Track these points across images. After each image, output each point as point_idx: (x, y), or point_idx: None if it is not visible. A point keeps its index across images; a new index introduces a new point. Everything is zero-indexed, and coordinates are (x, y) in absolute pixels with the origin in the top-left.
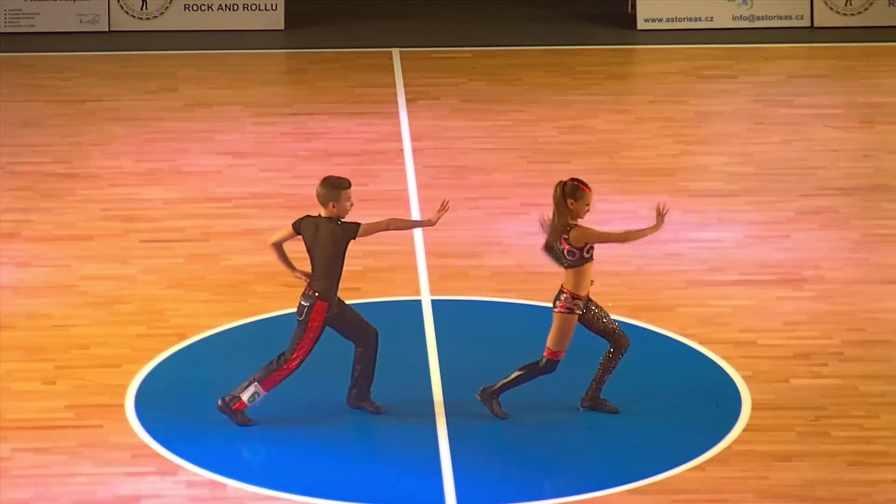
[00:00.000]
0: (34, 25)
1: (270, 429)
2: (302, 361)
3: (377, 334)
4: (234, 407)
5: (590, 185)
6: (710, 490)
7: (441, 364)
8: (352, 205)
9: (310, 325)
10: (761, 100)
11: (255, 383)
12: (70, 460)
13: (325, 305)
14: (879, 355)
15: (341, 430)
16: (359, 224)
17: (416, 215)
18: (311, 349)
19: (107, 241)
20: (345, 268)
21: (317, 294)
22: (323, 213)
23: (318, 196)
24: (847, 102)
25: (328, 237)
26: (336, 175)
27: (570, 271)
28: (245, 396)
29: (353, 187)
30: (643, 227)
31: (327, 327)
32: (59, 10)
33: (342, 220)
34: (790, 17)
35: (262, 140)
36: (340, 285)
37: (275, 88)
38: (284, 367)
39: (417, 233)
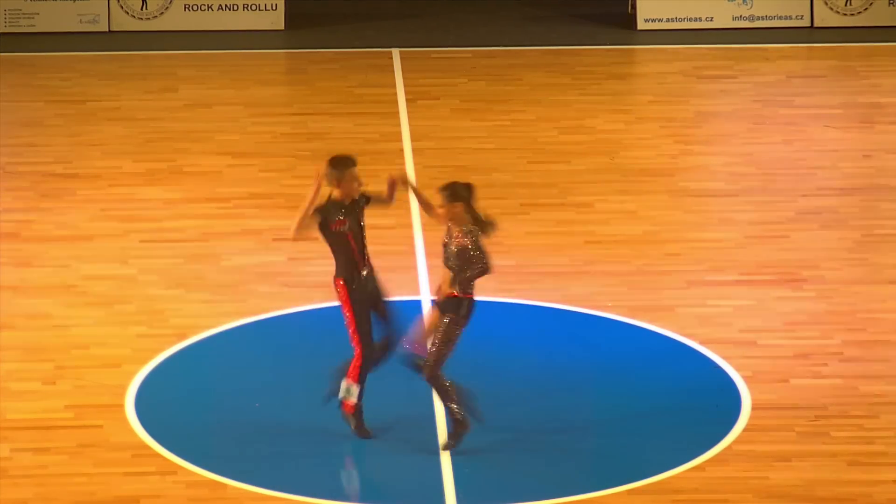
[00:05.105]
0: (34, 25)
1: (270, 429)
2: (361, 340)
3: (388, 344)
4: (345, 410)
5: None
6: (710, 490)
7: None
8: (360, 184)
9: (342, 304)
10: (761, 100)
11: (344, 378)
12: (70, 460)
13: (340, 281)
14: (879, 355)
15: (342, 431)
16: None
17: (415, 215)
18: (363, 323)
19: (107, 241)
20: None
21: (334, 276)
22: (335, 195)
23: (327, 178)
24: (847, 102)
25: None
26: (342, 154)
27: None
28: (340, 394)
29: None
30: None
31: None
32: (59, 10)
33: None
34: (790, 17)
35: (262, 140)
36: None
37: (275, 88)
38: (355, 353)
39: (417, 233)
